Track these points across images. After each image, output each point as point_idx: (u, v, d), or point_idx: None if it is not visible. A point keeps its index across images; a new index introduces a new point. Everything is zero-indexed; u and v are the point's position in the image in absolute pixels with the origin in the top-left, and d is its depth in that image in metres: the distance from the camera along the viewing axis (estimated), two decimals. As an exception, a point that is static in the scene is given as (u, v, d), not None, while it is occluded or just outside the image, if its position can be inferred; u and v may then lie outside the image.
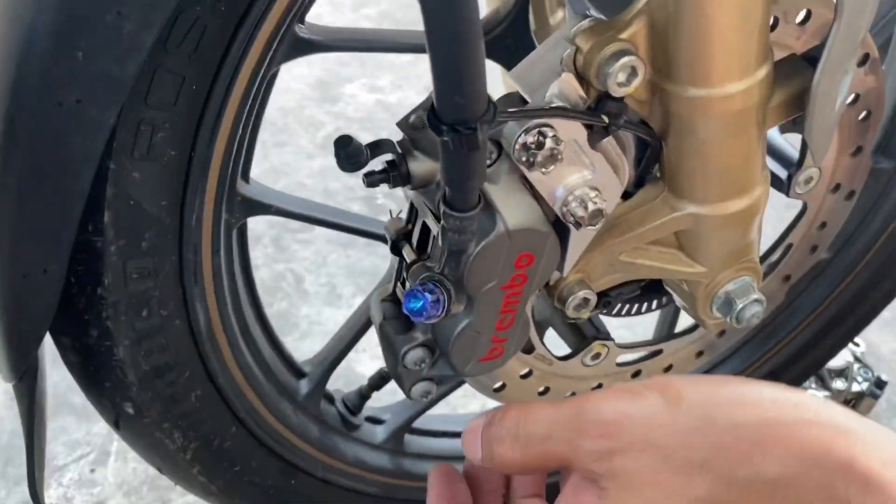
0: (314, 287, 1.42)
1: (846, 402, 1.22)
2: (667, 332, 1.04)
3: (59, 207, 0.54)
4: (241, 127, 0.62)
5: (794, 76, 0.65)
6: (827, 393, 1.19)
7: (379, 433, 0.92)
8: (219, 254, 0.67)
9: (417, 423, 0.96)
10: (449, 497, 0.57)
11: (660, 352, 0.92)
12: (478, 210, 0.54)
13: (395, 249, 0.70)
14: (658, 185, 0.69)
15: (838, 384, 1.20)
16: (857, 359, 1.23)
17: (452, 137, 0.47)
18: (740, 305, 0.74)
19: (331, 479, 0.87)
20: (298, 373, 0.84)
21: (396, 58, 2.00)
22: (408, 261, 0.69)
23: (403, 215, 0.71)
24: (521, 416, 0.52)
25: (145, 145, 0.57)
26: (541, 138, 0.59)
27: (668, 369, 0.95)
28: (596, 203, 0.63)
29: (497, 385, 0.85)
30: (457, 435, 0.99)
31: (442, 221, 0.55)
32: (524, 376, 0.86)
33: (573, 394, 0.91)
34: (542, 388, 0.88)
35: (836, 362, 1.19)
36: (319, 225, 0.77)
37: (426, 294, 0.58)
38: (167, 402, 0.71)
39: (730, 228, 0.69)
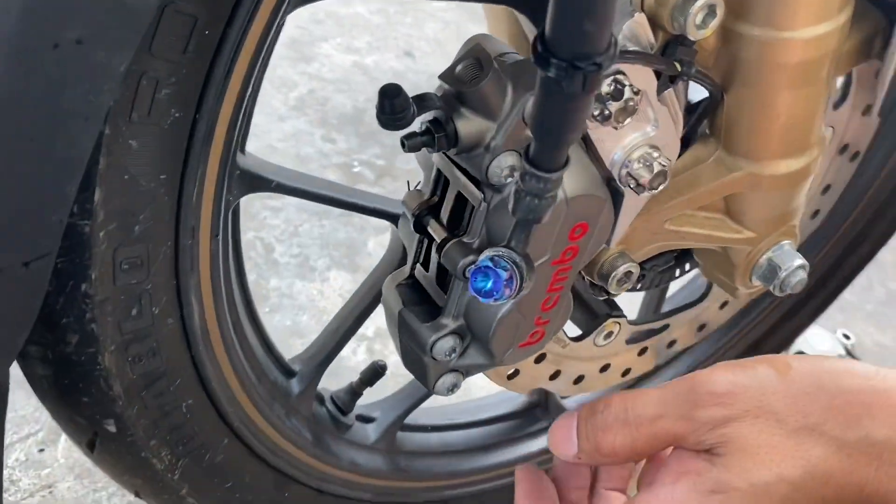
0: (285, 258, 1.32)
1: None
2: (655, 306, 0.99)
3: (48, 181, 0.42)
4: (251, 82, 0.51)
5: (864, 19, 0.60)
6: None
7: (371, 432, 0.83)
8: (217, 238, 0.57)
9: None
10: (536, 496, 0.56)
11: (666, 326, 0.87)
12: (565, 170, 0.46)
13: (420, 226, 0.61)
14: (710, 143, 0.63)
15: None
16: (847, 351, 1.23)
17: (571, 75, 0.38)
18: (785, 273, 0.69)
19: (324, 488, 0.78)
20: (288, 371, 0.74)
21: (373, 17, 1.90)
22: (437, 238, 0.60)
23: (422, 187, 0.63)
24: (629, 401, 0.52)
25: (146, 105, 0.46)
26: (618, 87, 0.51)
27: (671, 344, 0.90)
28: (661, 163, 0.57)
29: (510, 371, 0.78)
30: (450, 428, 0.92)
31: (518, 184, 0.47)
32: (538, 360, 0.79)
33: (581, 377, 0.85)
34: (552, 372, 0.81)
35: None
36: (326, 203, 0.67)
37: (499, 271, 0.50)
38: (156, 415, 0.60)
39: (784, 190, 0.64)
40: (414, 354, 0.63)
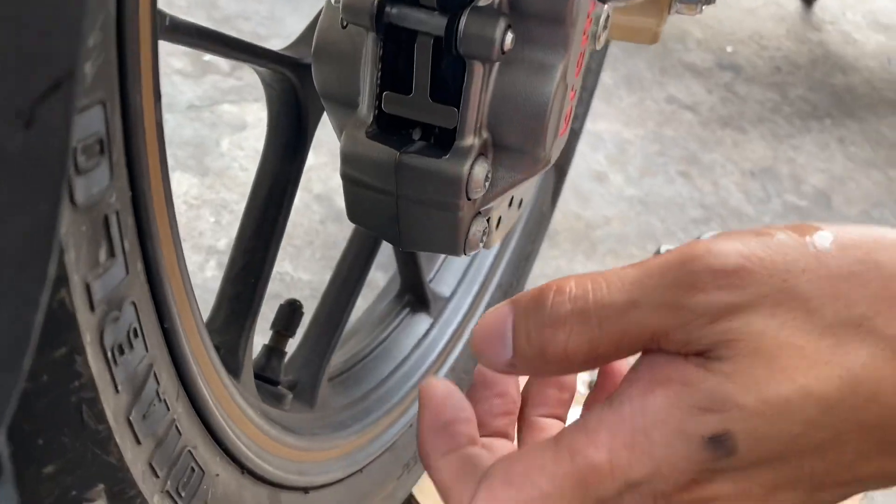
0: None
1: None
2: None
3: None
4: None
5: None
6: None
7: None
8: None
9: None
10: (446, 422, 0.39)
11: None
12: None
13: (390, 28, 0.42)
14: None
15: None
16: None
17: None
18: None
19: (310, 484, 0.57)
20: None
21: None
22: (430, 28, 0.42)
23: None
24: (592, 284, 0.35)
25: None
26: None
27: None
28: None
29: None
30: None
31: None
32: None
33: (500, 218, 0.72)
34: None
35: None
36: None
37: None
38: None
39: None
40: (433, 212, 0.46)
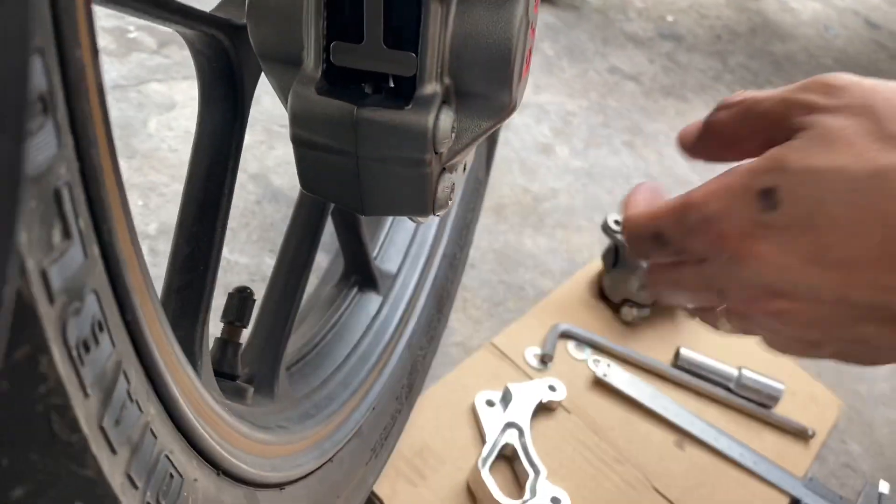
0: None
1: None
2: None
3: None
4: None
5: None
6: None
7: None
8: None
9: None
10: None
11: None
12: None
13: None
14: None
15: None
16: None
17: None
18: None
19: (285, 479, 0.53)
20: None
21: None
22: None
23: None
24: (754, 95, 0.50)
25: None
26: None
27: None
28: None
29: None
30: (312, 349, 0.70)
31: None
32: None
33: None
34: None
35: None
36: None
37: None
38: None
39: None
40: (398, 170, 0.42)
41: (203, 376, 0.47)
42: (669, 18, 1.94)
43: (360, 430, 0.69)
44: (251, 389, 0.56)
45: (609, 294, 1.08)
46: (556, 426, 0.92)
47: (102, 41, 1.21)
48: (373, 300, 0.79)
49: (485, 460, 0.81)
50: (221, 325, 0.56)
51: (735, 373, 1.02)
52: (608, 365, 1.00)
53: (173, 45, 1.24)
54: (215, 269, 0.50)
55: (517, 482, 0.84)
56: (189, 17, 0.43)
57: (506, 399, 0.90)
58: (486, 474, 0.79)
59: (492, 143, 1.01)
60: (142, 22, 1.26)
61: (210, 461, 0.40)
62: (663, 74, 1.74)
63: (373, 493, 0.77)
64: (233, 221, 1.01)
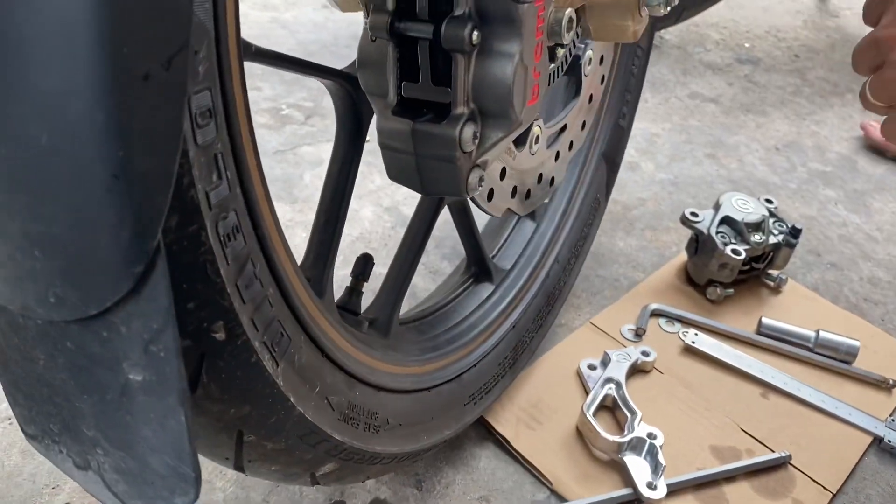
0: None
1: (764, 255, 1.25)
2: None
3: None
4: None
5: None
6: (746, 247, 1.21)
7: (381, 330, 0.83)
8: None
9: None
10: None
11: (564, 127, 0.96)
12: None
13: (397, 36, 0.62)
14: None
15: (756, 238, 1.22)
16: (771, 213, 1.27)
17: None
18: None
19: (381, 384, 0.77)
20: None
21: None
22: (425, 34, 0.60)
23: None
24: None
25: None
26: None
27: (571, 146, 0.99)
28: None
29: (488, 192, 0.82)
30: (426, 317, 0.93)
31: None
32: (502, 177, 0.84)
33: (528, 191, 0.91)
34: (512, 188, 0.87)
35: (753, 217, 1.23)
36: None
37: None
38: (251, 308, 0.57)
39: None
40: (440, 164, 0.65)
41: (326, 302, 0.72)
42: (747, 45, 1.98)
43: (460, 377, 0.91)
44: (366, 323, 0.80)
45: (694, 277, 1.23)
46: (650, 383, 1.08)
47: (262, 118, 1.53)
48: (486, 288, 1.02)
49: (589, 407, 1.00)
50: (350, 278, 0.81)
51: (813, 334, 1.14)
52: (696, 334, 1.15)
53: (316, 116, 1.54)
54: (340, 232, 0.74)
55: (618, 425, 1.01)
56: (327, 72, 0.69)
57: (605, 362, 1.08)
58: (590, 416, 0.98)
59: (612, 169, 1.20)
60: (291, 100, 1.56)
61: (314, 342, 0.64)
62: (742, 94, 1.79)
63: (500, 436, 0.98)
64: (374, 243, 1.28)
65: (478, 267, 1.02)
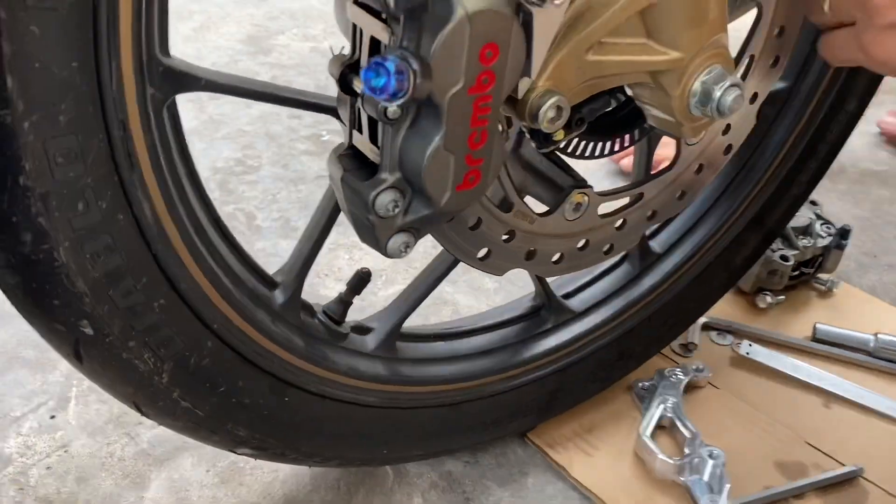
0: (266, 222, 1.37)
1: (814, 258, 1.24)
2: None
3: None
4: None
5: None
6: (794, 251, 1.21)
7: (369, 342, 0.85)
8: (151, 132, 0.60)
9: (410, 330, 0.90)
10: None
11: (641, 196, 0.88)
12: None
13: (345, 85, 0.63)
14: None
15: (803, 242, 1.22)
16: (818, 216, 1.25)
17: None
18: (719, 92, 0.69)
19: (326, 393, 0.80)
20: (270, 283, 0.77)
21: (325, 7, 2.01)
22: (359, 91, 0.62)
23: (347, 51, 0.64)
24: None
25: (41, -10, 0.50)
26: None
27: (652, 217, 0.90)
28: (558, -35, 0.57)
29: (482, 253, 0.79)
30: (450, 337, 0.93)
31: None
32: (507, 240, 0.80)
33: (562, 255, 0.85)
34: (527, 251, 0.82)
35: (799, 221, 1.22)
36: (257, 99, 0.70)
37: (387, 64, 0.52)
38: (128, 315, 0.63)
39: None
40: (362, 218, 0.65)
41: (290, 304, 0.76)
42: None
43: (457, 404, 0.91)
44: (350, 335, 0.83)
45: (743, 285, 1.21)
46: (706, 400, 1.07)
47: (303, 145, 1.57)
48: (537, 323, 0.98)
49: (645, 429, 1.00)
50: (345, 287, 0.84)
51: (872, 338, 1.12)
52: (750, 345, 1.13)
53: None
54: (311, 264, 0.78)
55: (677, 446, 1.01)
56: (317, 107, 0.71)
57: (658, 381, 1.07)
58: (648, 439, 0.98)
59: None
60: (331, 126, 1.58)
61: (232, 348, 0.70)
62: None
63: (556, 463, 1.00)
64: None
65: (546, 303, 0.98)
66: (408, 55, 0.53)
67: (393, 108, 0.58)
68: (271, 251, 1.30)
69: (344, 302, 0.83)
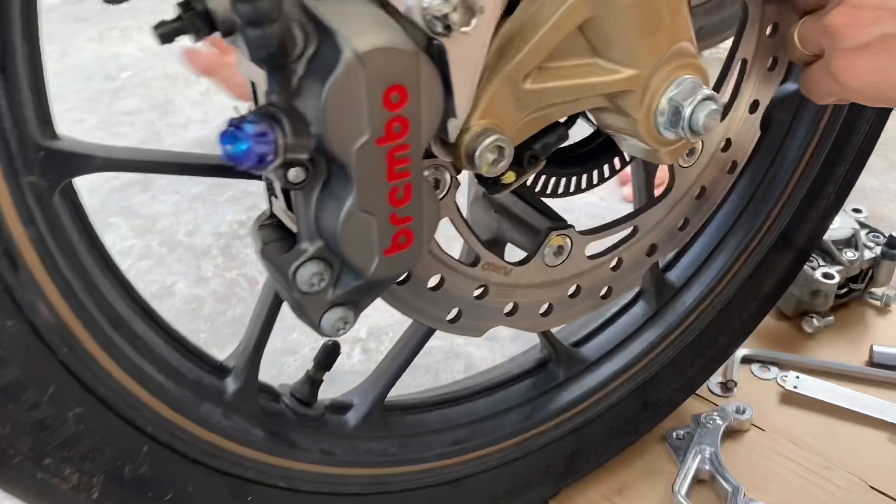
0: None
1: (862, 273, 1.13)
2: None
3: None
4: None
5: None
6: (839, 267, 1.10)
7: (350, 420, 0.77)
8: (35, 225, 0.53)
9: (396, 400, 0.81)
10: None
11: (635, 231, 0.78)
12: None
13: None
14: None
15: (848, 255, 1.11)
16: (862, 224, 1.15)
17: None
18: (689, 109, 0.60)
19: (298, 486, 0.72)
20: (220, 370, 0.69)
21: None
22: None
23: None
24: None
25: None
26: None
27: (652, 250, 0.80)
28: (465, -10, 0.49)
29: (451, 315, 0.71)
30: (445, 403, 0.84)
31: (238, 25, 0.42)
32: (480, 296, 0.71)
33: (550, 306, 0.76)
34: (509, 307, 0.73)
35: (841, 233, 1.12)
36: (167, 172, 0.63)
37: (245, 126, 0.44)
38: (37, 430, 0.56)
39: (643, 2, 0.56)
40: (287, 293, 0.57)
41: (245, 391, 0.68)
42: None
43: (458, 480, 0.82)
44: (324, 416, 0.74)
45: (785, 310, 1.10)
46: (751, 445, 0.97)
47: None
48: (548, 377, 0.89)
49: (681, 486, 0.90)
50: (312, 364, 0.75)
51: None
52: (797, 377, 1.02)
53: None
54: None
55: (718, 502, 0.91)
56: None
57: (694, 429, 0.97)
58: (683, 498, 0.89)
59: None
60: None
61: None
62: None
63: None
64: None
65: (554, 353, 0.89)
66: (275, 111, 0.45)
67: (294, 172, 0.50)
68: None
69: (312, 380, 0.75)
